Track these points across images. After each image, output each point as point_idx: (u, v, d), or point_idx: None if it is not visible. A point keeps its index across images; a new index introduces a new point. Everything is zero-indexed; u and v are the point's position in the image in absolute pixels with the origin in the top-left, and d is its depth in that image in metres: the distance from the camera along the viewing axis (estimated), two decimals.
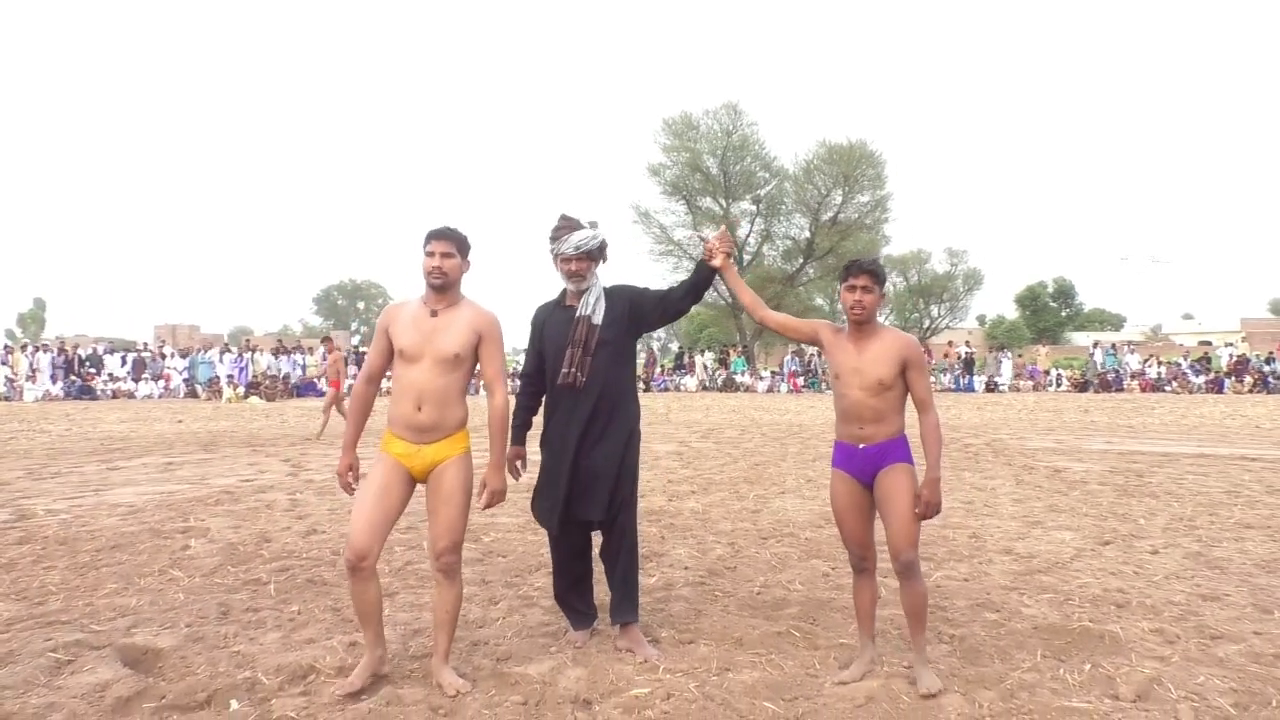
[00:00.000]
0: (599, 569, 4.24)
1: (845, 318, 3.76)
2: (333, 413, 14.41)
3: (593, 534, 4.20)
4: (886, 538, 3.60)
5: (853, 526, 3.73)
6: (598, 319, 4.01)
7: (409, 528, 6.29)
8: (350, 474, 3.66)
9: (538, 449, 4.15)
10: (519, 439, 4.19)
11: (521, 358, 6.12)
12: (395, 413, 3.56)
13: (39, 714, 3.18)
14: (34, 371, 28.25)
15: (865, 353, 3.63)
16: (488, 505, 3.64)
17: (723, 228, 4.20)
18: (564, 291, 4.14)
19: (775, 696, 3.40)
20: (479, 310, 3.65)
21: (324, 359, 23.26)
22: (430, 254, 3.55)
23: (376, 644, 3.55)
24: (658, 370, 34.91)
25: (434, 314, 3.57)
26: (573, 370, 3.95)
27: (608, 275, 4.20)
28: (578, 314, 4.01)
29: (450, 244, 3.57)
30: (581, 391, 3.96)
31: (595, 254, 4.05)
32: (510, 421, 3.87)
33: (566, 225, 4.04)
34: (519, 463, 4.19)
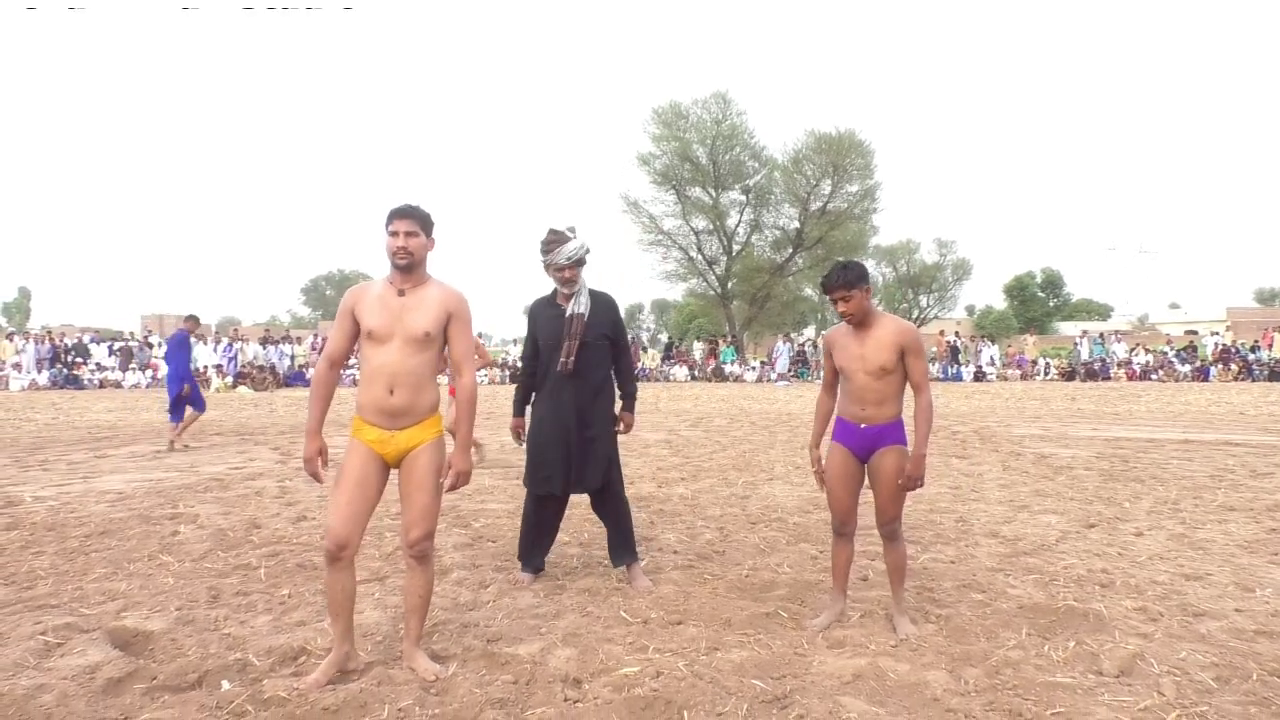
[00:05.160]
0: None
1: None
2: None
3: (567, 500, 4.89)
4: (875, 507, 4.03)
5: (840, 495, 4.06)
6: (587, 316, 4.68)
7: (399, 514, 6.29)
8: (320, 459, 3.53)
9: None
10: (520, 411, 5.03)
11: (510, 349, 6.54)
12: (366, 398, 3.45)
13: (29, 695, 3.18)
14: (20, 359, 28.08)
15: (868, 341, 3.90)
16: (453, 487, 3.51)
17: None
18: (555, 291, 4.78)
19: (763, 675, 3.43)
20: (447, 289, 3.55)
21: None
22: (394, 234, 3.42)
23: (345, 639, 3.47)
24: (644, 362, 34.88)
25: (401, 294, 3.45)
26: (569, 360, 4.62)
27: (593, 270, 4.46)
28: (569, 312, 4.65)
29: (414, 222, 3.44)
30: (575, 377, 4.64)
31: (582, 262, 4.69)
32: (512, 397, 4.32)
33: (556, 239, 4.62)
34: (521, 432, 4.98)
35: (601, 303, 4.80)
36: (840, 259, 4.24)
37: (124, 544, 5.66)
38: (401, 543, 3.59)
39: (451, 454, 3.55)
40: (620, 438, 4.89)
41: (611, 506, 4.84)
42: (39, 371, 28.09)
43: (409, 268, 3.46)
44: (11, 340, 30.43)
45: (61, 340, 30.49)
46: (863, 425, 3.96)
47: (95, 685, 3.30)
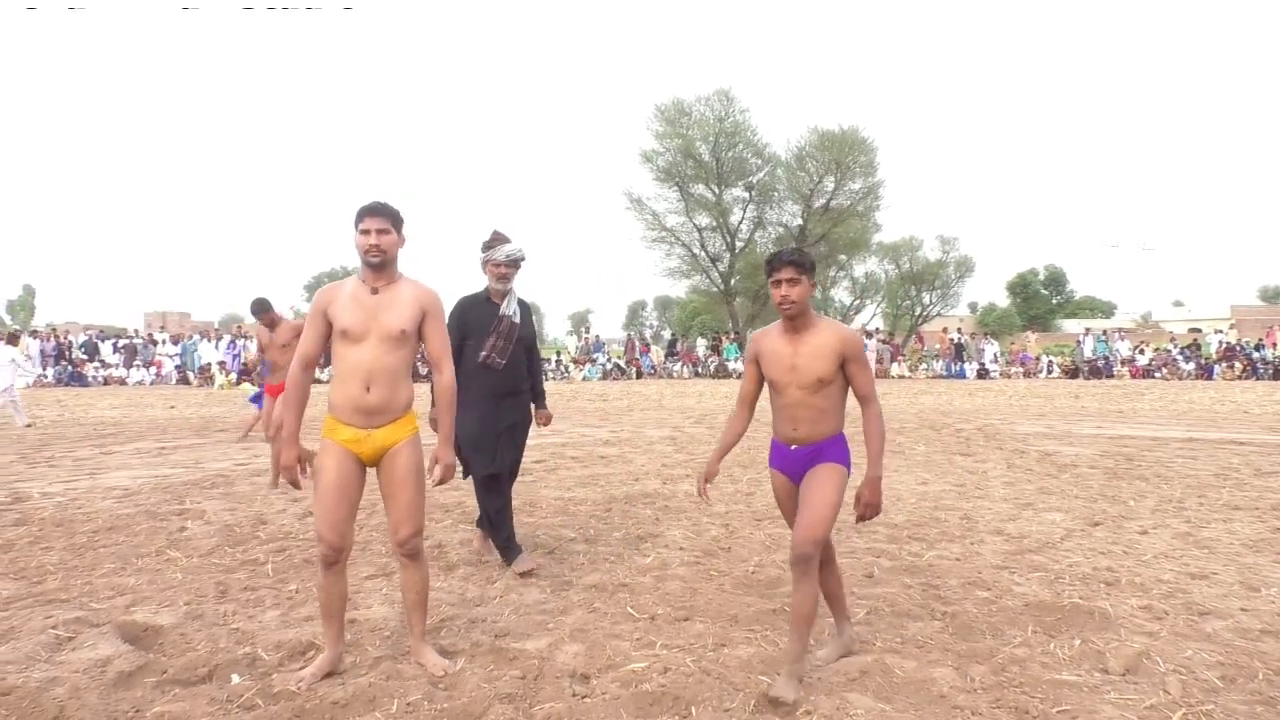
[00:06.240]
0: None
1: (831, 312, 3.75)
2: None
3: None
4: (794, 529, 3.35)
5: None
6: (517, 319, 5.12)
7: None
8: (300, 465, 3.50)
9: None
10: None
11: None
12: (340, 396, 3.42)
13: (42, 688, 3.20)
14: (29, 356, 28.12)
15: (802, 350, 3.41)
16: (441, 481, 3.53)
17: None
18: (487, 289, 5.14)
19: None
20: (421, 287, 3.54)
21: None
22: (365, 231, 3.40)
23: (338, 641, 3.49)
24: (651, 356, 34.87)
25: (375, 291, 3.44)
26: (493, 355, 5.01)
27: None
28: (501, 311, 5.08)
29: (385, 219, 3.42)
30: (500, 372, 5.04)
31: (518, 263, 5.11)
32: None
33: (498, 239, 5.10)
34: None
35: (525, 310, 5.28)
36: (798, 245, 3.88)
37: (132, 539, 5.68)
38: (391, 542, 3.56)
39: (435, 449, 3.56)
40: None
41: (510, 486, 5.27)
42: (44, 369, 28.13)
43: (381, 265, 3.44)
44: (19, 338, 30.45)
45: (66, 338, 30.53)
46: (794, 447, 3.46)
47: (106, 678, 3.33)
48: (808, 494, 3.36)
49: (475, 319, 5.10)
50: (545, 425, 5.47)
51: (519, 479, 8.11)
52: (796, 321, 3.43)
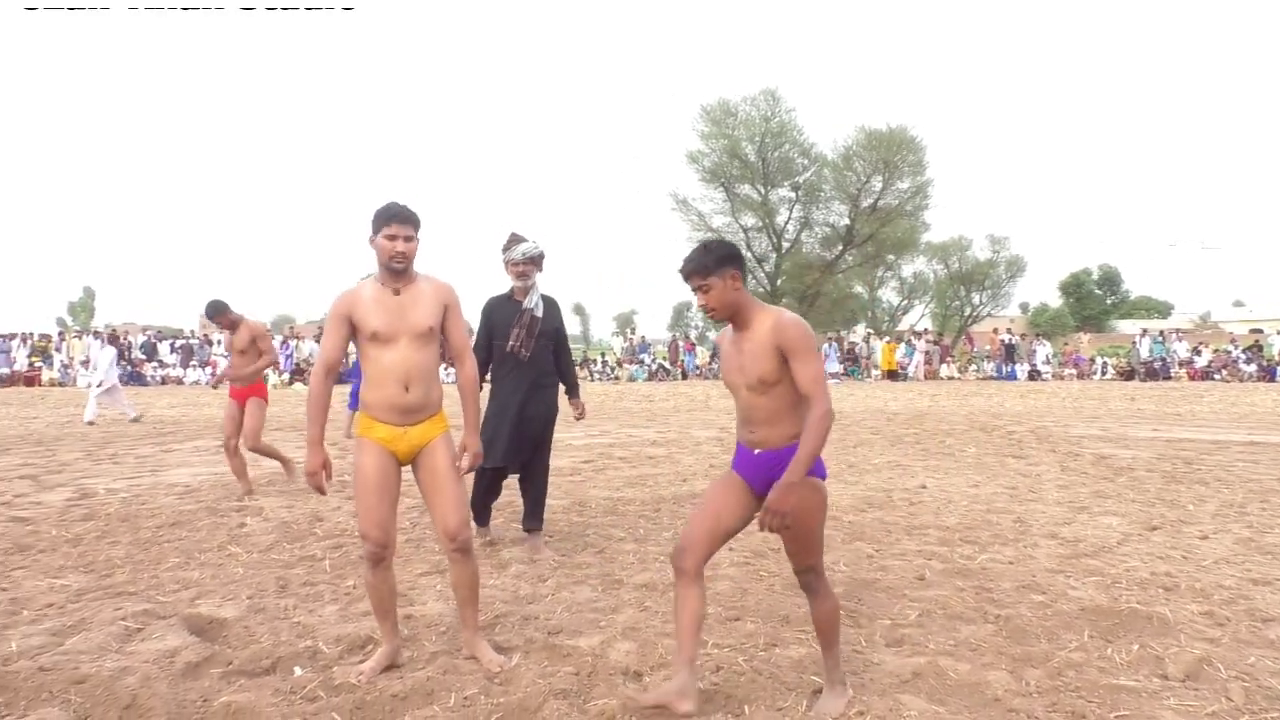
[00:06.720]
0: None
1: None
2: None
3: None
4: (786, 552, 3.23)
5: (694, 520, 3.23)
6: (539, 313, 5.41)
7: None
8: (325, 471, 3.50)
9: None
10: None
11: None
12: (377, 397, 3.47)
13: (115, 677, 3.32)
14: (87, 357, 28.94)
15: (745, 348, 3.12)
16: (470, 468, 3.60)
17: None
18: (511, 289, 5.46)
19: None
20: (438, 283, 3.59)
21: None
22: (392, 238, 3.42)
23: (393, 635, 3.56)
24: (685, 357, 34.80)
25: (397, 292, 3.48)
26: (517, 345, 5.35)
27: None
28: (524, 306, 5.39)
29: (410, 227, 3.46)
30: (525, 364, 5.39)
31: (537, 260, 5.40)
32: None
33: (515, 239, 5.40)
34: None
35: (550, 305, 5.53)
36: (704, 240, 3.25)
37: (194, 535, 5.85)
38: (441, 537, 3.59)
39: (463, 438, 3.64)
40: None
41: (535, 479, 5.59)
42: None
43: (404, 271, 3.49)
44: (81, 339, 31.39)
45: (126, 338, 31.38)
46: (757, 451, 3.15)
47: (175, 668, 3.44)
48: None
49: (500, 317, 5.45)
50: (580, 417, 5.81)
51: (568, 478, 8.20)
52: (738, 321, 3.17)
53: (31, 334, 31.59)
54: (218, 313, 7.53)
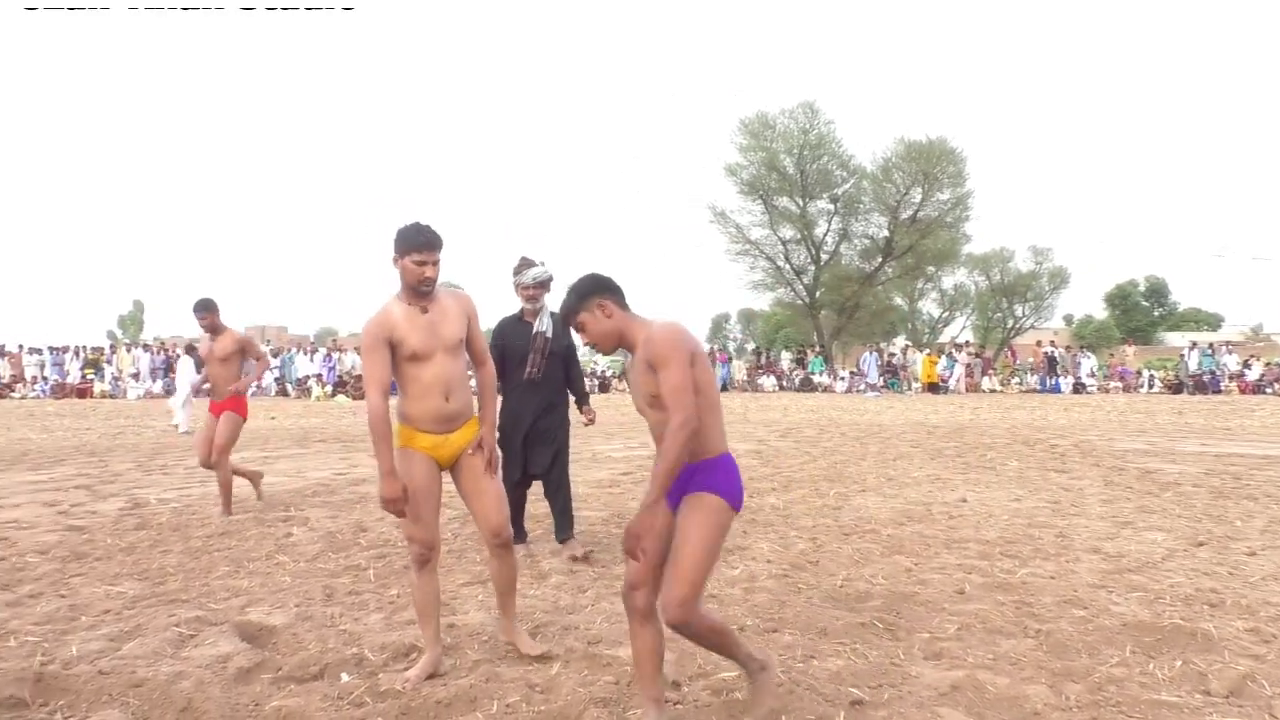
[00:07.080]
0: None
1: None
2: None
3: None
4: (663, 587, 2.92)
5: (654, 561, 2.98)
6: (550, 334, 5.69)
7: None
8: (404, 496, 3.55)
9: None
10: None
11: None
12: (421, 409, 3.63)
13: (170, 681, 3.44)
14: (137, 370, 29.67)
15: (636, 368, 3.02)
16: (490, 464, 3.78)
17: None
18: (522, 310, 5.76)
19: (860, 683, 3.46)
20: (457, 295, 3.82)
21: None
22: (421, 264, 3.55)
23: (436, 641, 3.66)
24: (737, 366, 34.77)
25: (425, 310, 3.64)
26: (533, 370, 5.66)
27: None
28: (535, 329, 5.69)
29: (438, 253, 3.60)
30: (538, 383, 5.69)
31: (546, 284, 5.69)
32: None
33: (525, 263, 5.67)
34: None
35: (559, 322, 5.64)
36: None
37: (243, 544, 6.00)
38: (484, 533, 3.80)
39: (482, 433, 3.81)
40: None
41: (556, 489, 5.80)
42: (153, 381, 29.61)
43: (430, 292, 3.66)
44: (130, 351, 32.16)
45: (174, 351, 32.08)
46: None
47: (228, 674, 3.55)
48: (675, 542, 2.91)
49: (512, 338, 5.75)
50: (590, 423, 6.10)
51: (607, 490, 8.26)
52: (624, 345, 3.08)
53: (84, 346, 32.45)
54: (207, 310, 7.09)
